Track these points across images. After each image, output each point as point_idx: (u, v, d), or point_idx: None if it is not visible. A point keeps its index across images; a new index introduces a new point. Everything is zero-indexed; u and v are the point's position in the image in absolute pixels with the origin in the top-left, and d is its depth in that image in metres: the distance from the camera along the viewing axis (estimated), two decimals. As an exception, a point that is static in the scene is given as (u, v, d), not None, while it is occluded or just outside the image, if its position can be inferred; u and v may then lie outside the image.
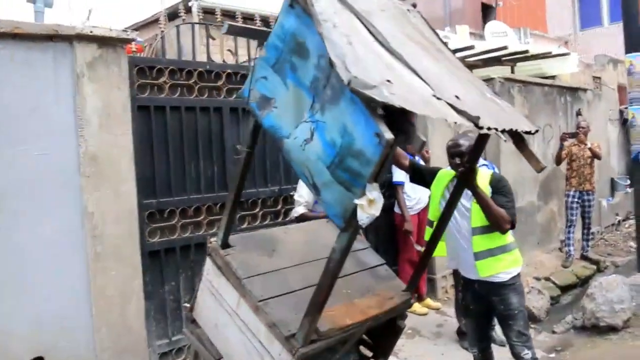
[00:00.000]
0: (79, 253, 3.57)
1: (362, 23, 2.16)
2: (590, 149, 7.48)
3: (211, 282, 2.70)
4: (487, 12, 15.78)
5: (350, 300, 2.58)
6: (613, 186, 10.60)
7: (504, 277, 3.36)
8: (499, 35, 9.59)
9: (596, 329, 5.09)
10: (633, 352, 4.62)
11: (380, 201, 1.86)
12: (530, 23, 12.81)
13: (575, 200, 7.54)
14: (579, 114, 8.93)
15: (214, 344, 2.72)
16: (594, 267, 7.80)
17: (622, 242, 9.17)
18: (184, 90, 4.30)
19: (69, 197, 3.54)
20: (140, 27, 10.94)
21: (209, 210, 4.40)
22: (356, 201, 1.86)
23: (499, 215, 3.19)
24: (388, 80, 1.78)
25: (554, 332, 5.46)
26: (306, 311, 2.23)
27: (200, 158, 4.38)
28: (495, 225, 3.24)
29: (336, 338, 2.41)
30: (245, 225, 4.59)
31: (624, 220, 10.31)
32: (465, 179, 2.95)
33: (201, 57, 4.81)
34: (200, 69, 4.36)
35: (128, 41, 3.83)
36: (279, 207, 4.86)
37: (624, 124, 10.23)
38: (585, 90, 9.56)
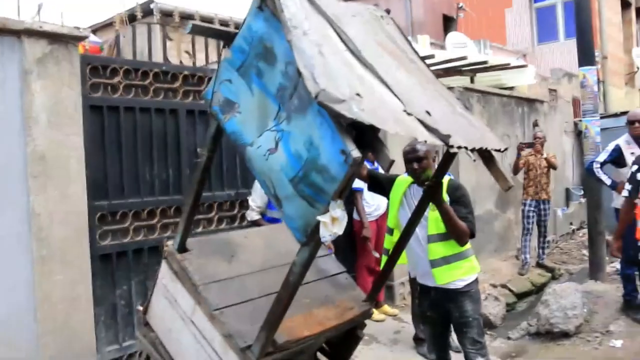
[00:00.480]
0: (23, 256, 3.42)
1: (334, 29, 2.10)
2: (546, 159, 7.65)
3: (166, 287, 2.63)
4: (448, 24, 16.06)
5: (309, 310, 2.53)
6: (568, 196, 10.87)
7: (459, 284, 3.35)
8: (459, 46, 9.76)
9: (550, 334, 5.17)
10: (583, 356, 4.71)
11: (344, 220, 1.81)
12: (490, 35, 13.06)
13: (532, 209, 7.68)
14: (535, 124, 9.14)
15: (167, 348, 2.65)
16: (549, 274, 7.97)
17: (576, 250, 9.39)
18: (139, 91, 4.19)
19: (14, 197, 3.39)
20: (99, 28, 10.73)
21: (163, 213, 4.29)
22: (319, 218, 1.82)
23: (461, 230, 3.18)
24: (358, 94, 1.73)
25: (509, 339, 5.52)
26: (263, 323, 2.18)
27: (154, 160, 4.28)
28: (455, 238, 3.24)
29: (293, 350, 2.36)
30: (200, 229, 4.50)
31: (578, 229, 10.57)
32: (431, 193, 2.94)
33: (158, 59, 4.71)
34: (156, 70, 4.26)
35: (80, 38, 3.72)
36: (235, 211, 4.79)
37: (579, 135, 10.52)
38: (542, 102, 9.80)
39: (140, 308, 2.86)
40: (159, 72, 4.29)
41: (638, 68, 16.61)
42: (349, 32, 2.13)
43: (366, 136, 1.78)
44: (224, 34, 2.34)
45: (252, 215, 4.48)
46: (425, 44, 9.74)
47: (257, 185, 4.47)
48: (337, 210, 1.80)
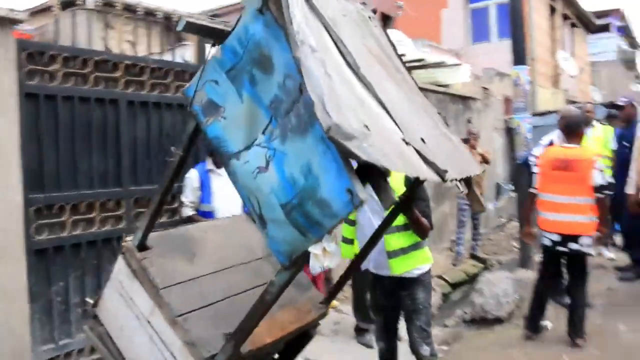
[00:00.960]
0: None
1: (330, 35, 2.02)
2: (480, 154, 7.93)
3: (122, 284, 2.53)
4: (386, 22, 16.34)
5: (271, 313, 2.50)
6: (498, 191, 11.34)
7: (415, 272, 3.46)
8: (397, 43, 9.92)
9: (484, 321, 5.42)
10: (515, 340, 4.92)
11: (337, 254, 1.77)
12: (426, 35, 13.37)
13: (467, 202, 7.95)
14: (469, 121, 9.47)
15: (117, 345, 2.56)
16: (482, 265, 8.31)
17: (505, 242, 9.84)
18: (78, 80, 4.05)
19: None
20: (30, 14, 10.22)
21: (102, 207, 4.17)
22: (311, 250, 1.78)
23: (426, 228, 3.35)
24: (366, 126, 1.68)
25: (445, 326, 5.73)
26: (231, 335, 2.16)
27: (93, 151, 4.15)
28: (420, 235, 3.39)
29: (256, 356, 2.35)
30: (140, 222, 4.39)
31: (507, 222, 11.06)
32: (403, 206, 2.98)
33: (97, 48, 4.57)
34: (96, 58, 4.12)
35: (16, 22, 3.55)
36: (176, 204, 4.69)
37: (508, 132, 10.98)
38: (475, 99, 10.16)
39: (91, 301, 2.78)
40: (100, 60, 4.15)
41: (563, 70, 17.52)
42: (344, 37, 2.07)
43: (370, 172, 1.72)
44: (216, 32, 2.19)
45: (186, 211, 4.42)
46: (365, 40, 9.86)
47: (187, 180, 4.40)
48: (331, 245, 1.76)
